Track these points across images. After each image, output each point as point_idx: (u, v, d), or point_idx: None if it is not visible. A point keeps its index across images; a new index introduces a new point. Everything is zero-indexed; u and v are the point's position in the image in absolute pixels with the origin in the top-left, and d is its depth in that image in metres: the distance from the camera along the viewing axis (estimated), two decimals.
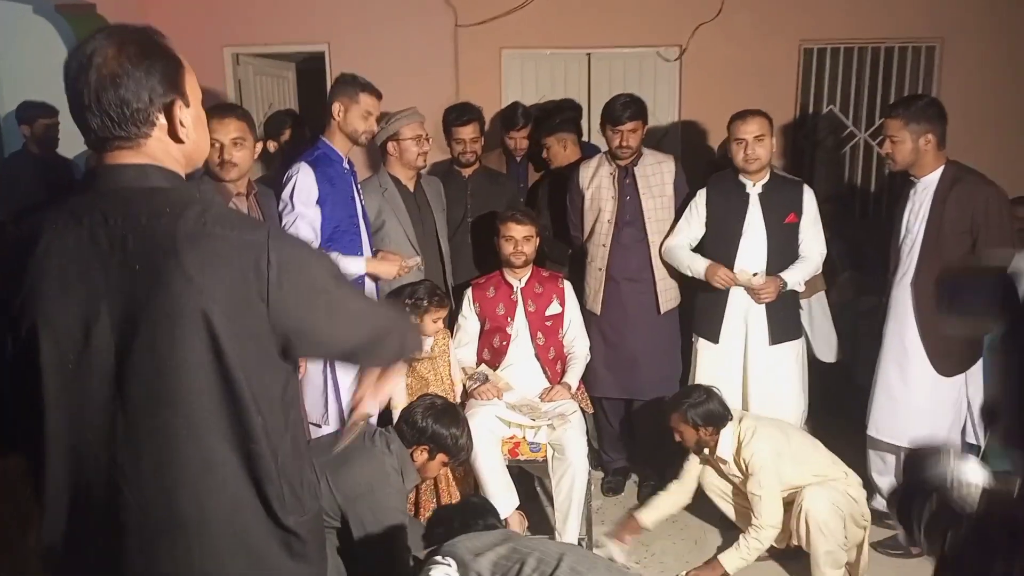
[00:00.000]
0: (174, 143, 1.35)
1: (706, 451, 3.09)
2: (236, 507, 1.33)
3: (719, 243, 3.40)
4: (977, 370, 3.09)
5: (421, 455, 2.62)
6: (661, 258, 3.53)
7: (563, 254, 3.91)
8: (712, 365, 3.46)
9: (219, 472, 1.30)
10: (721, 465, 3.07)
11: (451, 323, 3.45)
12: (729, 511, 3.17)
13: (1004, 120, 4.76)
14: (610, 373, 3.61)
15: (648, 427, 3.68)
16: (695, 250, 3.48)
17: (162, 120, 1.32)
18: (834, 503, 2.83)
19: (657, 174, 3.54)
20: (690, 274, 3.44)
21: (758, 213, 3.35)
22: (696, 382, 3.49)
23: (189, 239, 1.24)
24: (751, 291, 3.32)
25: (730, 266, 3.35)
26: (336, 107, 3.02)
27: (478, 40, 4.88)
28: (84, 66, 1.26)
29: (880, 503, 3.32)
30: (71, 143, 4.47)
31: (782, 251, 3.36)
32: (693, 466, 3.20)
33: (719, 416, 3.00)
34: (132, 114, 1.28)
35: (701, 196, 3.44)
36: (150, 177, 1.31)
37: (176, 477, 1.29)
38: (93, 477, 1.28)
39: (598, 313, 3.59)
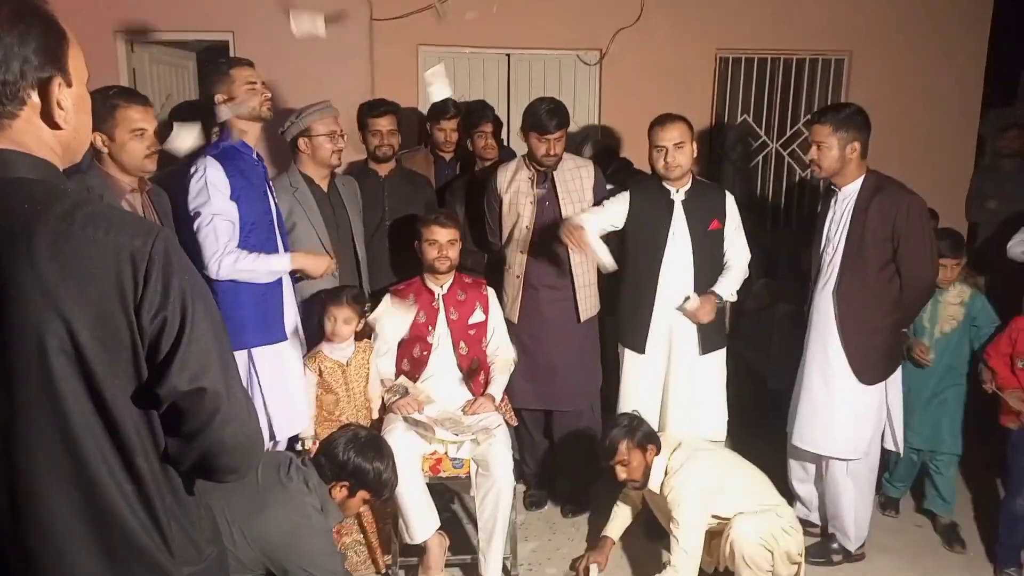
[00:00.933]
0: (48, 128, 1.13)
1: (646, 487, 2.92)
2: (116, 559, 1.13)
3: (645, 250, 3.31)
4: (897, 378, 3.14)
5: (340, 492, 2.39)
6: (586, 270, 3.41)
7: (478, 262, 3.75)
8: (637, 376, 3.38)
9: (92, 519, 1.11)
10: (655, 498, 2.95)
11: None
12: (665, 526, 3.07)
13: (909, 131, 4.93)
14: (529, 383, 3.49)
15: (567, 439, 3.58)
16: (620, 254, 3.40)
17: (35, 99, 1.11)
18: (761, 537, 2.74)
19: (576, 179, 3.45)
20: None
21: (682, 220, 3.29)
22: (622, 393, 3.42)
23: (50, 241, 1.04)
24: (689, 314, 3.25)
25: (656, 274, 3.28)
26: (219, 99, 2.80)
27: (395, 36, 4.70)
28: None
29: (801, 511, 3.33)
30: None
31: (707, 259, 3.31)
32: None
33: (655, 435, 2.92)
34: None
35: (625, 196, 3.34)
36: (12, 166, 1.09)
37: (40, 525, 1.09)
38: None
39: (516, 321, 3.46)
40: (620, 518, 3.15)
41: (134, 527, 1.13)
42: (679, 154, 3.20)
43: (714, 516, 2.84)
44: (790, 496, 3.30)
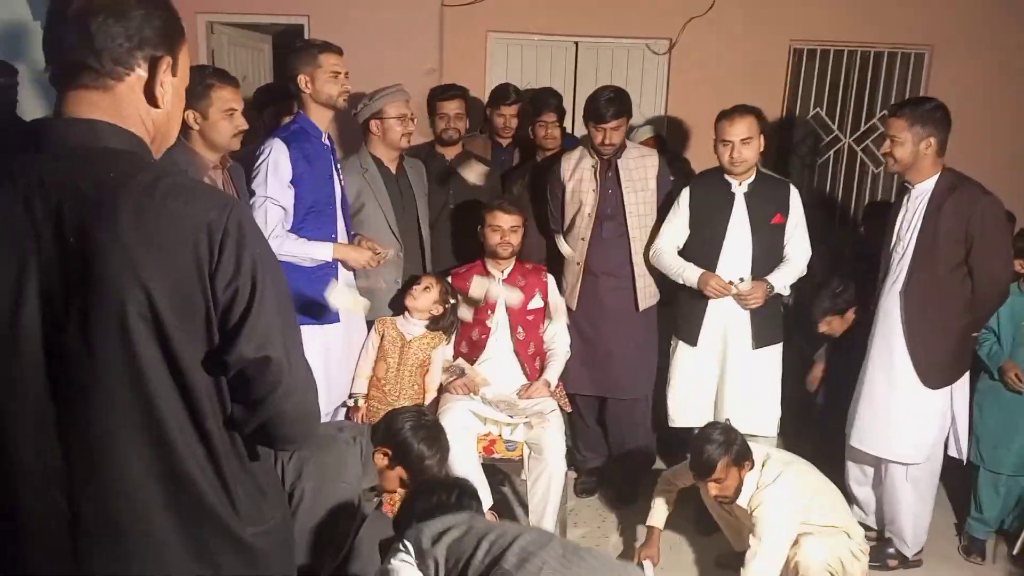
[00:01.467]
0: (146, 104, 1.19)
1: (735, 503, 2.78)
2: (186, 519, 1.18)
3: (702, 243, 3.30)
4: (964, 383, 3.05)
5: (381, 459, 2.40)
6: (647, 260, 3.43)
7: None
8: (689, 368, 3.37)
9: (164, 479, 1.16)
10: (737, 510, 2.83)
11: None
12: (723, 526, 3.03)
13: (992, 132, 4.73)
14: (585, 369, 3.51)
15: (621, 428, 3.59)
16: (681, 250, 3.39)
17: (141, 71, 1.17)
18: (828, 562, 2.66)
19: (640, 168, 3.44)
20: (681, 281, 3.31)
21: (743, 213, 3.25)
22: (672, 384, 3.41)
23: (132, 210, 1.09)
24: (737, 297, 3.22)
25: (713, 267, 3.25)
26: (301, 79, 2.86)
27: (464, 21, 4.73)
28: None
29: (858, 514, 3.26)
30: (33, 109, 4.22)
31: (767, 253, 3.27)
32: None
33: (749, 449, 2.75)
34: (112, 48, 1.14)
35: (685, 195, 3.34)
36: (101, 136, 1.15)
37: (115, 484, 1.14)
38: (22, 478, 1.14)
39: (574, 308, 3.48)
40: (662, 506, 3.10)
41: (204, 488, 1.18)
42: (745, 149, 3.16)
43: None
44: (848, 499, 3.24)
